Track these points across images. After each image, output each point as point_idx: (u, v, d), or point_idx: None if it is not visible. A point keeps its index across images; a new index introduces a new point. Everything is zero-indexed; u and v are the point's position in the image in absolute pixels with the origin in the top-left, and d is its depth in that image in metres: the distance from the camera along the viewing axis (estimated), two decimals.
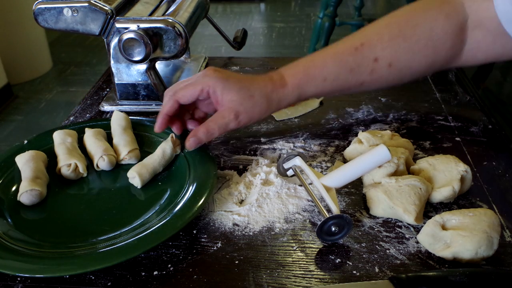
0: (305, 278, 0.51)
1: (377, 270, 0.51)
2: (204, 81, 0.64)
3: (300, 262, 0.53)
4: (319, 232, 0.54)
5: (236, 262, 0.53)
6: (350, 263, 0.52)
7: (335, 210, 0.55)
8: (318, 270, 0.52)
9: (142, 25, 0.73)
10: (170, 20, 0.73)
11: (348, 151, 0.68)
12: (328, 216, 0.53)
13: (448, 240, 0.52)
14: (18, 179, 0.64)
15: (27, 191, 0.60)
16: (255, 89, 0.65)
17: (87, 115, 0.83)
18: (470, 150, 0.70)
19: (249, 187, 0.64)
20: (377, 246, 0.54)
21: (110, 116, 0.75)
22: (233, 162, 0.69)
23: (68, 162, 0.65)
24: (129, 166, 0.67)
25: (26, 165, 0.63)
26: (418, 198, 0.57)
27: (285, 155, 0.63)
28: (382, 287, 0.48)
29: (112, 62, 0.80)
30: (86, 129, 0.71)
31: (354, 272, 0.51)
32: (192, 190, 0.60)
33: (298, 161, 0.62)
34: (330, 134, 0.75)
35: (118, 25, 0.74)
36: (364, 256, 0.53)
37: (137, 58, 0.74)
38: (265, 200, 0.61)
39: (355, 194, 0.62)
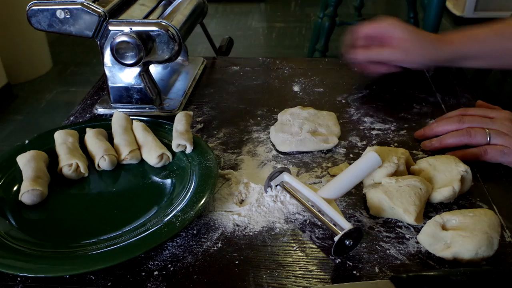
0: (305, 278, 0.51)
1: (377, 270, 0.51)
2: None
3: (300, 262, 0.53)
4: (338, 251, 0.52)
5: (236, 262, 0.53)
6: (350, 263, 0.52)
7: (347, 225, 0.53)
8: (318, 270, 0.52)
9: (135, 28, 0.72)
10: (164, 24, 0.73)
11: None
12: (341, 233, 0.51)
13: (448, 240, 0.52)
14: (19, 179, 0.64)
15: (28, 191, 0.60)
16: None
17: (87, 115, 0.83)
18: None
19: (249, 187, 0.64)
20: (377, 246, 0.54)
21: (110, 117, 0.75)
22: (233, 162, 0.69)
23: (69, 162, 0.65)
24: (130, 166, 0.68)
25: (27, 165, 0.64)
26: (418, 198, 0.57)
27: (270, 174, 0.61)
28: (383, 287, 0.48)
29: (105, 65, 0.79)
30: (87, 129, 0.71)
31: (354, 272, 0.51)
32: (193, 190, 0.60)
33: (286, 177, 0.61)
34: None
35: (111, 28, 0.73)
36: (364, 256, 0.53)
37: (129, 62, 0.73)
38: (265, 200, 0.61)
39: (355, 194, 0.62)
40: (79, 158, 0.66)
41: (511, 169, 0.66)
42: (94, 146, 0.68)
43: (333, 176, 0.65)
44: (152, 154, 0.66)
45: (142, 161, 0.68)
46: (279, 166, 0.68)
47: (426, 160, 0.63)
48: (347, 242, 0.52)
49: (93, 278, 0.52)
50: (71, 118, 0.82)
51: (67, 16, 0.72)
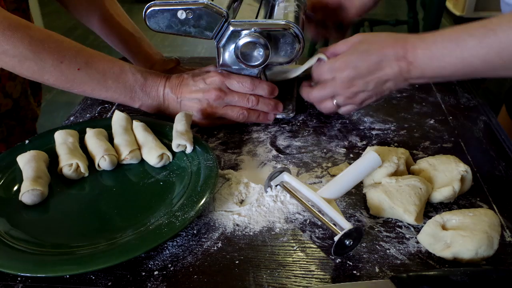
0: (306, 278, 0.51)
1: (377, 270, 0.51)
2: None
3: (300, 262, 0.53)
4: (338, 250, 0.52)
5: (237, 262, 0.53)
6: (351, 263, 0.52)
7: (347, 225, 0.53)
8: (319, 270, 0.52)
9: (260, 28, 0.70)
10: (288, 23, 0.71)
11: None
12: (341, 232, 0.51)
13: (449, 240, 0.52)
14: (19, 179, 0.64)
15: (28, 191, 0.60)
16: None
17: (87, 115, 0.83)
18: (470, 150, 0.70)
19: (249, 187, 0.64)
20: (377, 246, 0.54)
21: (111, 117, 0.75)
22: (233, 162, 0.69)
23: (69, 162, 0.65)
24: (130, 166, 0.68)
25: (28, 165, 0.64)
26: (418, 198, 0.57)
27: (270, 174, 0.61)
28: (383, 286, 0.48)
29: (222, 66, 0.76)
30: (87, 129, 0.71)
31: (355, 272, 0.51)
32: (193, 190, 0.60)
33: (286, 177, 0.61)
34: (330, 134, 0.75)
35: (233, 28, 0.71)
36: (364, 256, 0.53)
37: (255, 63, 0.71)
38: (265, 200, 0.61)
39: (355, 194, 0.62)
40: (79, 158, 0.66)
41: (511, 169, 0.66)
42: (94, 146, 0.68)
43: (333, 176, 0.65)
44: (152, 154, 0.66)
45: (142, 161, 0.68)
46: (279, 166, 0.68)
47: (426, 160, 0.63)
48: (347, 242, 0.52)
49: (93, 278, 0.52)
50: (71, 118, 0.82)
51: (189, 17, 0.70)
